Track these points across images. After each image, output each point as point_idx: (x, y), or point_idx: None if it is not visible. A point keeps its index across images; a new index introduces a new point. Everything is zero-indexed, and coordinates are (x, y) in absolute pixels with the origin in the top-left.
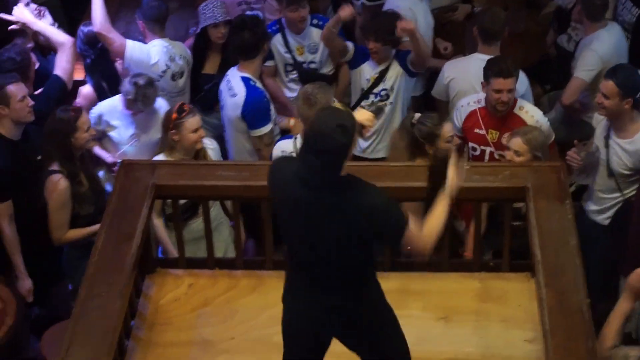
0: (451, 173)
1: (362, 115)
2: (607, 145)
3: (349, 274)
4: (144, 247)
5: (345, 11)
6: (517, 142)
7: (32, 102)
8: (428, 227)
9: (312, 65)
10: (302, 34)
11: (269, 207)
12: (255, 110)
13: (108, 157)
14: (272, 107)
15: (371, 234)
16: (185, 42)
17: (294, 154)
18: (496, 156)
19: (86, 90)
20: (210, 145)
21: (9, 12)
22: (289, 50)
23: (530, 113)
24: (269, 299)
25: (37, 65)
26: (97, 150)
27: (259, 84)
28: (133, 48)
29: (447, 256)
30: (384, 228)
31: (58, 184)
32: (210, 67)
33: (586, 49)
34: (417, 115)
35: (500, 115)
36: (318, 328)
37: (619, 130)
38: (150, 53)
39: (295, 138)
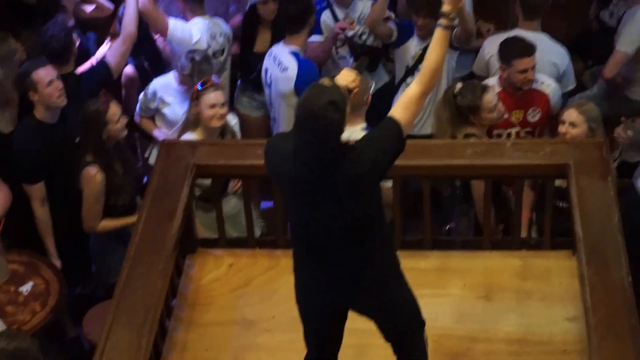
0: None
1: (344, 78)
2: None
3: (354, 243)
4: (185, 227)
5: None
6: (572, 114)
7: (61, 86)
8: (426, 64)
9: (363, 37)
10: (350, 7)
11: None
12: (309, 82)
13: (160, 135)
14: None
15: (380, 170)
16: (234, 20)
17: None
18: (522, 134)
19: (128, 70)
20: (234, 121)
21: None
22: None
23: (546, 83)
24: None
25: (77, 43)
26: (156, 131)
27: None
28: (175, 27)
29: (488, 234)
30: (385, 150)
31: (94, 177)
32: (260, 45)
33: (630, 21)
34: (459, 85)
35: (520, 93)
36: (329, 300)
37: None
38: (192, 31)
39: None
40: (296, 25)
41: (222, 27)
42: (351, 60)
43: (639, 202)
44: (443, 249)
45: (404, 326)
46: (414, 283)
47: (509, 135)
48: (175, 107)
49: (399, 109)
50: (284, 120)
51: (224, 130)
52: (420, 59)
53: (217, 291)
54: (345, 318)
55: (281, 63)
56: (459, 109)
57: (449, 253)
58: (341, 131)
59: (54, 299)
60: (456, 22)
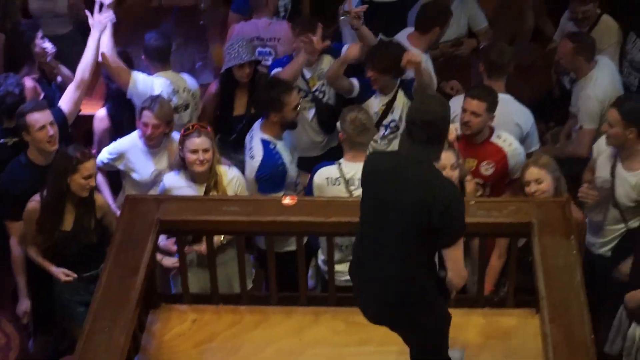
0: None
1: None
2: (613, 175)
3: (407, 254)
4: (149, 282)
5: (353, 50)
6: (533, 172)
7: (52, 132)
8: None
9: (320, 95)
10: (312, 66)
11: (272, 242)
12: (269, 177)
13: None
14: (288, 175)
15: (437, 219)
16: (211, 87)
17: (341, 179)
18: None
19: (101, 114)
20: (233, 175)
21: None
22: (304, 79)
23: (508, 141)
24: (274, 333)
25: (42, 96)
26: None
27: (279, 146)
28: (137, 79)
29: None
30: (450, 221)
31: (29, 204)
32: (239, 108)
33: (584, 97)
34: None
35: (477, 143)
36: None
37: (625, 160)
38: (154, 85)
39: (339, 163)
40: (270, 112)
41: (187, 83)
42: (313, 111)
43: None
44: None
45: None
46: (378, 339)
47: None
48: (142, 170)
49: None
50: None
51: (210, 177)
52: (383, 114)
53: (180, 347)
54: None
55: (251, 149)
56: None
57: None
58: (448, 130)
59: (15, 354)
60: (411, 74)
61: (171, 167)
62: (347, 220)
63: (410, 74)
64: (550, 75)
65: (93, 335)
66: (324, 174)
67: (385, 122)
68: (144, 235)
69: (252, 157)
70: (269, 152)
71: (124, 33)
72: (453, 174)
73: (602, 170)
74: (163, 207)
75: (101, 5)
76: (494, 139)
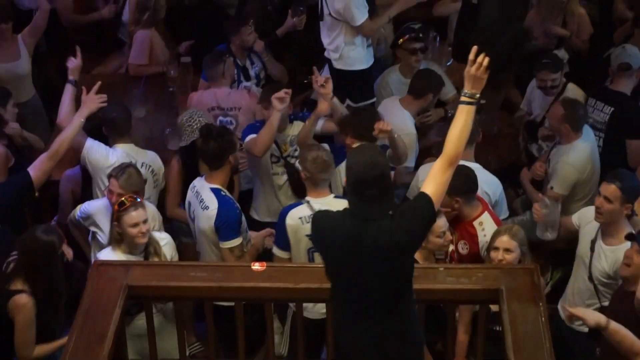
0: (467, 75)
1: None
2: (592, 249)
3: (393, 301)
4: (116, 348)
5: (323, 106)
6: (504, 241)
7: None
8: (448, 142)
9: (292, 160)
10: (284, 131)
11: (241, 308)
12: (228, 222)
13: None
14: (243, 220)
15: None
16: (172, 163)
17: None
18: (455, 256)
19: (69, 173)
20: (165, 240)
21: None
22: (277, 145)
23: (485, 231)
24: None
25: (12, 162)
26: None
27: (228, 194)
28: (91, 147)
29: None
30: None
31: (24, 305)
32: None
33: (563, 163)
34: None
35: (463, 221)
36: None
37: (608, 236)
38: (109, 155)
39: (307, 201)
40: (217, 161)
41: (149, 159)
42: (285, 177)
43: (561, 329)
44: None
45: None
46: None
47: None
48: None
49: (428, 184)
50: (206, 255)
51: (148, 245)
52: None
53: None
54: None
55: (202, 201)
56: None
57: None
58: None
59: None
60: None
61: (107, 243)
62: (317, 286)
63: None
64: (518, 143)
65: None
66: (296, 215)
67: None
68: (112, 301)
69: (206, 208)
70: (223, 198)
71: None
72: (437, 241)
73: (583, 243)
74: (131, 272)
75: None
76: (476, 222)
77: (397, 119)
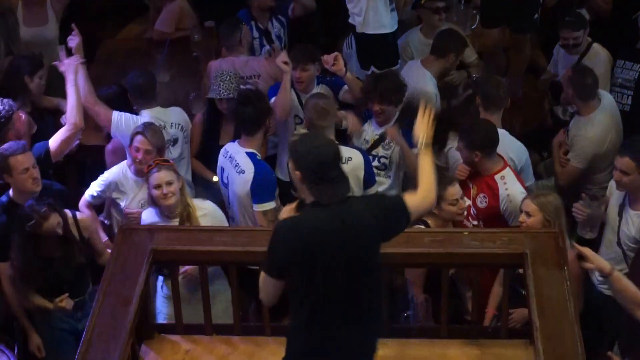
0: (417, 126)
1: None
2: (620, 215)
3: (370, 300)
4: (142, 312)
5: (355, 125)
6: (528, 204)
7: (36, 174)
8: (423, 183)
9: None
10: (309, 93)
11: None
12: (264, 186)
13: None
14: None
15: (385, 226)
16: (197, 117)
17: None
18: (471, 211)
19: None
20: (205, 210)
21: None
22: (301, 106)
23: (507, 185)
24: None
25: (34, 129)
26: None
27: (262, 159)
28: (119, 119)
29: (445, 322)
30: (392, 213)
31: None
32: (225, 138)
33: (580, 137)
34: None
35: (482, 174)
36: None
37: (634, 201)
38: (138, 122)
39: None
40: (252, 127)
41: (176, 117)
42: None
43: (594, 294)
44: (400, 337)
45: None
46: None
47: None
48: (130, 199)
49: (410, 199)
50: (241, 222)
51: (182, 209)
52: (374, 144)
53: None
54: None
55: (238, 165)
56: None
57: (406, 341)
58: None
59: None
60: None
61: (148, 204)
62: None
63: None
64: (543, 106)
65: None
66: None
67: (375, 152)
68: (137, 265)
69: (242, 172)
70: (258, 162)
71: (117, 66)
72: (450, 209)
73: (612, 209)
74: (157, 237)
75: (70, 50)
76: (497, 176)
77: (418, 79)
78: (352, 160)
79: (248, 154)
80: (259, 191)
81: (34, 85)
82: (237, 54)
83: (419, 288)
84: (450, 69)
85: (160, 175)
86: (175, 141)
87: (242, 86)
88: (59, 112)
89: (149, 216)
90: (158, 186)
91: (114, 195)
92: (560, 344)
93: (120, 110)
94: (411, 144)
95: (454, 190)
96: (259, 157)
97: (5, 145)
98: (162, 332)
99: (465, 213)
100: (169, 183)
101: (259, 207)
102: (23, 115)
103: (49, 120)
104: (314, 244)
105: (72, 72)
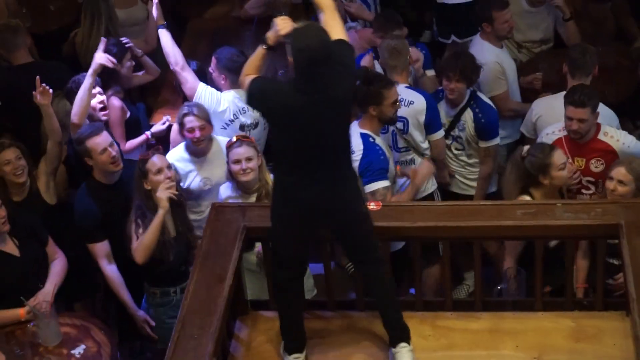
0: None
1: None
2: None
3: (339, 158)
4: (236, 289)
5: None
6: (620, 172)
7: (114, 153)
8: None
9: None
10: None
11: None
12: (372, 168)
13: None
14: (391, 165)
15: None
16: None
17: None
18: (584, 182)
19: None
20: None
21: None
22: None
23: (616, 137)
24: (361, 338)
25: (128, 114)
26: None
27: (378, 140)
28: (204, 92)
29: (540, 295)
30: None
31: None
32: None
33: None
34: (526, 147)
35: (584, 142)
36: (313, 209)
37: None
38: (221, 100)
39: None
40: (360, 105)
41: None
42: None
43: None
44: (494, 311)
45: (370, 247)
46: (465, 344)
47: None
48: (189, 179)
49: (334, 32)
50: None
51: (260, 186)
52: (451, 126)
53: (268, 353)
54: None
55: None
56: (527, 171)
57: (500, 314)
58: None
59: None
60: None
61: (226, 178)
62: (433, 224)
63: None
64: (636, 75)
65: (182, 343)
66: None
67: (453, 133)
68: (231, 242)
69: (352, 152)
70: (369, 144)
71: (205, 44)
72: (561, 174)
73: None
74: (249, 214)
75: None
76: (600, 136)
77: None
78: (414, 104)
79: (362, 134)
80: (367, 171)
81: (125, 70)
82: None
83: (513, 259)
84: (507, 32)
85: (241, 151)
86: (255, 125)
87: None
88: (151, 95)
89: (227, 191)
90: (237, 161)
91: (179, 177)
92: None
93: None
94: None
95: (559, 154)
96: (373, 139)
97: (81, 129)
98: (256, 308)
99: (576, 187)
100: (249, 159)
101: (367, 188)
102: (115, 102)
103: (140, 106)
104: (275, 110)
105: (95, 68)
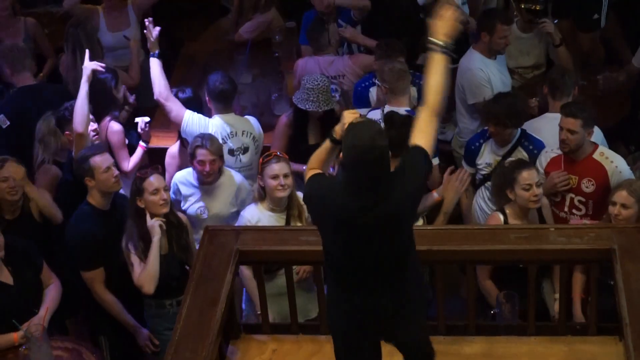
0: (438, 23)
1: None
2: None
3: (395, 272)
4: (228, 312)
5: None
6: (622, 195)
7: (116, 172)
8: (428, 89)
9: None
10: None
11: None
12: None
13: None
14: None
15: (416, 200)
16: (281, 119)
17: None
18: (576, 202)
19: (173, 150)
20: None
21: None
22: None
23: (610, 159)
24: None
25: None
26: None
27: None
28: (190, 119)
29: (533, 320)
30: (419, 180)
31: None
32: (313, 138)
33: None
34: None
35: (579, 159)
36: (370, 328)
37: None
38: (208, 126)
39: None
40: (394, 149)
41: (249, 126)
42: None
43: None
44: (488, 335)
45: (427, 351)
46: None
47: (563, 198)
48: (190, 203)
49: (418, 137)
50: None
51: (291, 207)
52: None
53: None
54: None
55: None
56: (499, 185)
57: (493, 338)
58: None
59: None
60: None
61: (252, 200)
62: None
63: None
64: (628, 99)
65: None
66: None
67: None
68: (224, 266)
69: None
70: None
71: (199, 67)
72: (522, 194)
73: None
74: (242, 237)
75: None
76: (595, 155)
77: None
78: None
79: None
80: None
81: (120, 95)
82: (325, 54)
83: (485, 274)
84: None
85: (278, 167)
86: (245, 149)
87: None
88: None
89: (253, 212)
90: (275, 177)
91: (176, 196)
92: None
93: None
94: None
95: (528, 174)
96: None
97: (84, 150)
98: (248, 331)
99: (568, 206)
100: (286, 175)
101: None
102: (116, 126)
103: (133, 133)
104: (324, 214)
105: (88, 75)
